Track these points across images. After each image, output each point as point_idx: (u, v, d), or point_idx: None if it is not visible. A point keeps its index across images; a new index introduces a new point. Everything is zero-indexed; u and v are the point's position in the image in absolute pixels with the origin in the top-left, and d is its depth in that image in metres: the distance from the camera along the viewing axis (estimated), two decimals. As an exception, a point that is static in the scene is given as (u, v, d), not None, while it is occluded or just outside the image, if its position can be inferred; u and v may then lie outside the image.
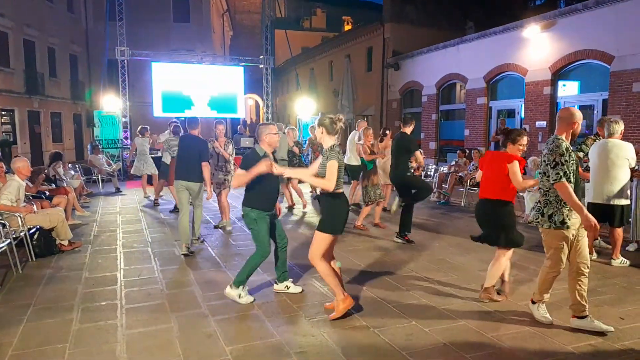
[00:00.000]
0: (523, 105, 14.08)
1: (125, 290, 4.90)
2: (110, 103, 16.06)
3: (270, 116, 19.77)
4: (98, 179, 12.84)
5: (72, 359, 3.47)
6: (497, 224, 4.45)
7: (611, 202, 5.57)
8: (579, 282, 3.89)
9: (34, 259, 5.89)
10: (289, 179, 8.67)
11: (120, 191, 12.08)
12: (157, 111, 17.02)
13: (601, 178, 5.62)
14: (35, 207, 6.42)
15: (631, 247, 6.29)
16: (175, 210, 9.01)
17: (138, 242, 6.95)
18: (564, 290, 4.69)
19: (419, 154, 6.95)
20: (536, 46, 13.33)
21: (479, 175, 4.85)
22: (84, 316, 4.23)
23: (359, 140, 8.68)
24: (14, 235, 5.60)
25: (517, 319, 4.14)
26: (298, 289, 4.80)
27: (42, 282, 5.14)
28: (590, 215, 3.69)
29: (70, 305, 4.48)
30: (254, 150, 4.52)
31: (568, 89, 12.96)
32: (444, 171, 11.35)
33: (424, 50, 18.18)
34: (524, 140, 4.43)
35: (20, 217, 5.80)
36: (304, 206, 9.55)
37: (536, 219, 3.98)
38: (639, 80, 10.73)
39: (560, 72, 12.89)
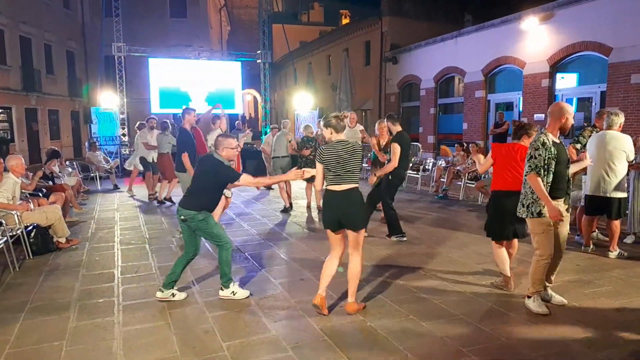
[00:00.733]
0: (521, 98, 14.05)
1: (122, 287, 4.90)
2: (108, 100, 16.01)
3: (268, 111, 19.74)
4: (96, 176, 12.80)
5: (69, 356, 3.47)
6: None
7: (608, 195, 5.56)
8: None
9: (31, 257, 5.88)
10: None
11: (118, 188, 12.06)
12: (155, 107, 16.98)
13: (599, 170, 5.60)
14: (31, 205, 6.41)
15: (628, 240, 6.29)
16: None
17: (136, 239, 6.94)
18: (561, 283, 4.70)
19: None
20: (534, 38, 13.28)
21: (484, 167, 4.89)
22: (81, 313, 4.22)
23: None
24: (10, 233, 5.59)
25: (516, 312, 4.14)
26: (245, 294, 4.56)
27: (40, 279, 5.14)
28: (555, 207, 3.88)
29: (68, 302, 4.48)
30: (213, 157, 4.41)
31: (566, 82, 12.93)
32: (442, 165, 11.34)
33: (422, 44, 18.13)
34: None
35: (17, 214, 5.78)
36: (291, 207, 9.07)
37: (519, 210, 4.17)
38: (637, 72, 10.70)
39: (558, 65, 12.85)
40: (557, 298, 4.28)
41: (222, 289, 4.50)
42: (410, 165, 12.59)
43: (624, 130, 5.70)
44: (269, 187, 11.45)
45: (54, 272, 5.41)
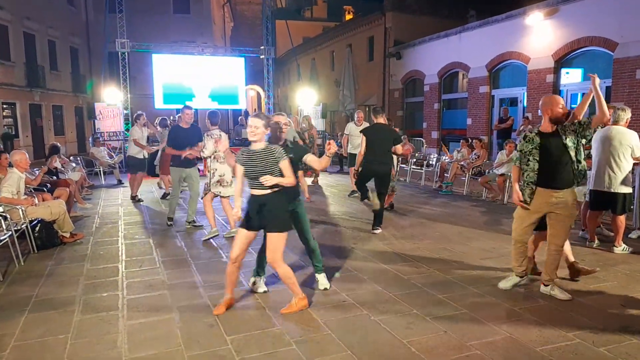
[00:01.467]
0: (526, 93, 13.98)
1: (126, 281, 4.91)
2: (112, 95, 16.02)
3: (272, 107, 19.71)
4: (100, 171, 12.84)
5: (74, 350, 3.48)
6: None
7: (613, 190, 5.53)
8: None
9: (36, 251, 5.90)
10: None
11: (122, 183, 12.08)
12: (159, 103, 17.00)
13: (604, 165, 5.58)
14: (36, 200, 6.43)
15: (634, 235, 6.27)
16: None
17: (139, 234, 6.96)
18: (566, 278, 4.69)
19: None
20: (539, 34, 13.20)
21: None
22: (86, 307, 4.24)
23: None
24: (15, 228, 5.61)
25: (520, 307, 4.13)
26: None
27: (44, 273, 5.16)
28: (516, 191, 4.35)
29: (72, 296, 4.50)
30: None
31: (571, 77, 12.85)
32: (446, 160, 11.31)
33: (426, 39, 18.05)
34: None
35: (22, 209, 5.81)
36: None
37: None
38: (643, 67, 10.63)
39: (563, 60, 12.77)
40: (562, 294, 4.27)
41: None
42: (414, 160, 12.60)
43: (629, 125, 5.67)
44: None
45: (59, 266, 5.43)
